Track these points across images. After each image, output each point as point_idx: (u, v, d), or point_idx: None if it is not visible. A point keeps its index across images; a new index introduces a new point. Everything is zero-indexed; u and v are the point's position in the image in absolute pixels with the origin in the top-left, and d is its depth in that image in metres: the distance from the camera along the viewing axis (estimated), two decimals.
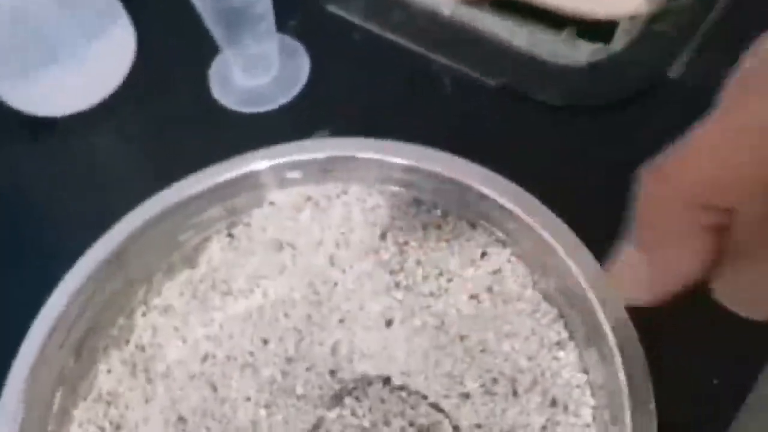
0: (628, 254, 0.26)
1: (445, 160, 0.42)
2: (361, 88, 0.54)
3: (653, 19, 0.55)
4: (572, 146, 0.50)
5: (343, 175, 0.43)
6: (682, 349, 0.40)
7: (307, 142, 0.44)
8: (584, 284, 0.37)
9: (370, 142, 0.43)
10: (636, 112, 0.51)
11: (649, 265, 0.26)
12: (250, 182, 0.44)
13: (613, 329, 0.36)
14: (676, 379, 0.36)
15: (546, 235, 0.39)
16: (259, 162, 0.44)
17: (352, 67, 0.56)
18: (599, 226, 0.36)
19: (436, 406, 0.38)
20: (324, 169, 0.43)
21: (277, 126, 0.53)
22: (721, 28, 0.53)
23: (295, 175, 0.43)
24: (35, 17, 0.51)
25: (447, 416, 0.37)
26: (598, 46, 0.54)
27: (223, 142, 0.48)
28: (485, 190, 0.41)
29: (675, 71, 0.52)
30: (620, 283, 0.27)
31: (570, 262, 0.38)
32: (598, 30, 0.56)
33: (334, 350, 0.41)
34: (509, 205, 0.40)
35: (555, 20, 0.56)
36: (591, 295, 0.37)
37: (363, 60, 0.56)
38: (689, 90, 0.51)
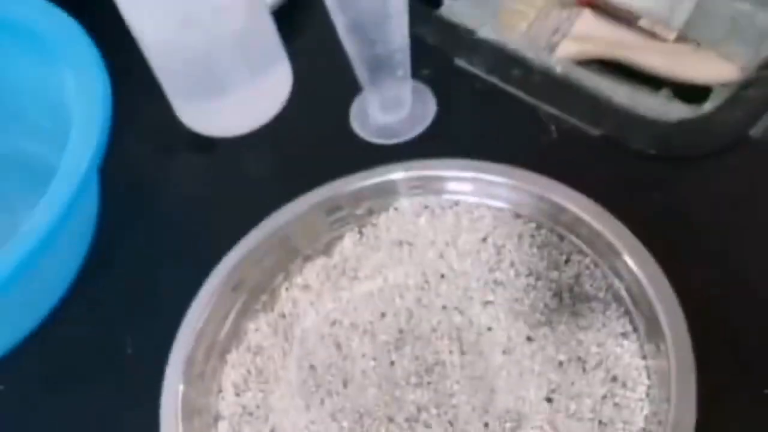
0: None
1: (542, 182, 0.51)
2: (478, 129, 0.64)
3: (743, 85, 0.62)
4: (657, 189, 0.58)
5: (456, 190, 0.53)
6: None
7: (432, 161, 0.54)
8: (648, 289, 0.45)
9: (481, 164, 0.52)
10: (718, 164, 0.58)
11: None
12: (382, 189, 0.53)
13: (670, 327, 0.44)
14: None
15: (620, 246, 0.47)
16: (395, 173, 0.54)
17: (473, 111, 0.65)
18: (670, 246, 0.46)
19: None
20: (441, 185, 0.53)
21: (404, 156, 0.63)
22: None
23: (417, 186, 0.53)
24: (215, 58, 0.63)
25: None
26: (692, 107, 0.62)
27: (356, 165, 0.58)
28: (573, 208, 0.49)
29: (757, 131, 0.59)
30: None
31: (639, 272, 0.46)
32: (692, 91, 0.64)
33: (434, 330, 0.49)
34: (592, 222, 0.49)
35: (654, 81, 0.65)
36: (654, 300, 0.45)
37: (482, 106, 0.65)
38: None
